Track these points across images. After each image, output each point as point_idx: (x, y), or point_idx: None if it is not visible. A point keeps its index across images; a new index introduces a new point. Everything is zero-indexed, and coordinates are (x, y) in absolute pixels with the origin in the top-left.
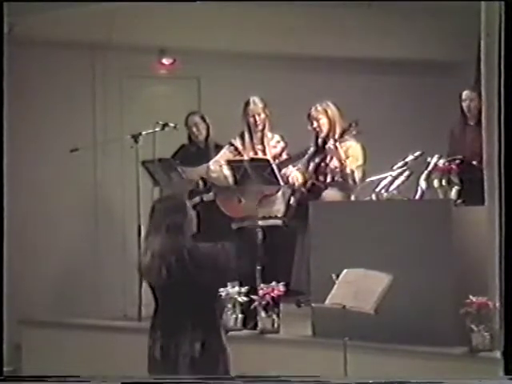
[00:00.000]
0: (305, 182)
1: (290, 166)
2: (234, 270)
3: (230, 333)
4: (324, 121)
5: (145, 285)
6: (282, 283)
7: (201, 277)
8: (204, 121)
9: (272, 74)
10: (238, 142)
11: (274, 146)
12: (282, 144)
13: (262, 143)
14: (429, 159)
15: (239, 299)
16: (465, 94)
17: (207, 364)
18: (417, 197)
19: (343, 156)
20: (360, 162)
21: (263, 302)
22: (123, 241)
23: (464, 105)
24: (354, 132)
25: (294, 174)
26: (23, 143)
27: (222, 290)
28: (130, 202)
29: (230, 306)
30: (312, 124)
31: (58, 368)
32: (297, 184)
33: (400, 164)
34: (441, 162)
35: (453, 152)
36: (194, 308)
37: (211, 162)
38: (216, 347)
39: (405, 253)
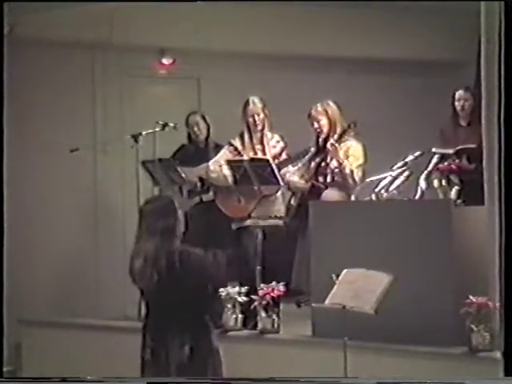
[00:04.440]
0: (306, 183)
1: (290, 167)
2: (224, 279)
3: (230, 333)
4: (324, 121)
5: None
6: (281, 283)
7: (189, 282)
8: (205, 120)
9: (272, 74)
10: (237, 142)
11: (273, 145)
12: (281, 144)
13: (262, 143)
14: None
15: (239, 299)
16: (458, 94)
17: (196, 368)
18: (417, 197)
19: (342, 157)
20: (360, 161)
21: (263, 302)
22: (123, 241)
23: (458, 104)
24: (352, 133)
25: (293, 178)
26: (23, 143)
27: (221, 290)
28: (130, 202)
29: (229, 306)
30: (313, 125)
31: (58, 368)
32: (298, 185)
33: (400, 164)
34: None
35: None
36: (182, 312)
37: (211, 162)
38: (206, 351)
39: (405, 253)
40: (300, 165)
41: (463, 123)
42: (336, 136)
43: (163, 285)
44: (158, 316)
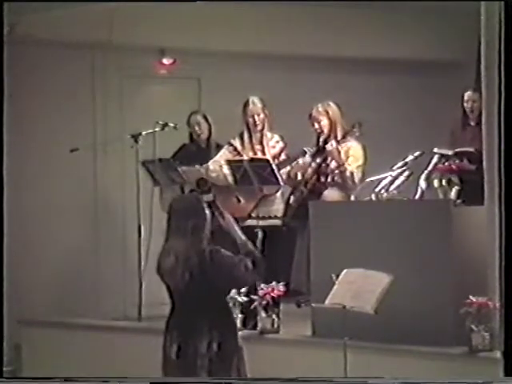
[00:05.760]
0: (305, 182)
1: (288, 167)
2: (248, 284)
3: None
4: (325, 122)
5: (145, 285)
6: (281, 283)
7: (219, 280)
8: (206, 120)
9: (272, 74)
10: (237, 142)
11: (273, 146)
12: (281, 144)
13: (262, 143)
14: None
15: (239, 299)
16: (467, 94)
17: (224, 364)
18: (417, 197)
19: (343, 158)
20: (360, 162)
21: (263, 302)
22: (123, 241)
23: (467, 106)
24: (357, 134)
25: (294, 171)
26: (23, 143)
27: None
28: (130, 202)
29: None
30: (313, 125)
31: (58, 368)
32: (298, 178)
33: (400, 164)
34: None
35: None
36: (211, 309)
37: (210, 162)
38: (232, 348)
39: (405, 253)
40: (301, 164)
41: (472, 123)
42: (339, 137)
43: (194, 283)
44: (186, 313)
